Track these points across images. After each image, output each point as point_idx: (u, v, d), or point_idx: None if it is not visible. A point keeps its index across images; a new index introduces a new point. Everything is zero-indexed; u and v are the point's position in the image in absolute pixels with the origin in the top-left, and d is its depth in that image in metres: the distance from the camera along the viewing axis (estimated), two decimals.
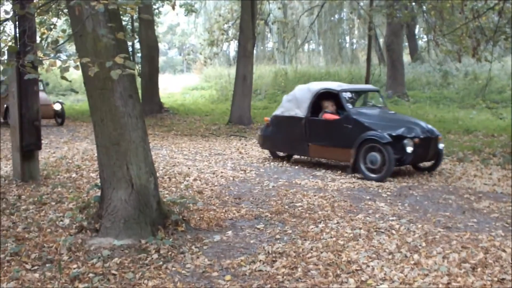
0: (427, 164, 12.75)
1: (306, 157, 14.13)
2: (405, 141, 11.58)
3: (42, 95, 21.53)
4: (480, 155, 14.61)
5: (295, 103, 13.59)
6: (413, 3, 23.62)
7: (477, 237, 7.54)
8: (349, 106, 12.76)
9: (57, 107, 23.02)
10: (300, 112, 13.31)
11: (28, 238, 7.32)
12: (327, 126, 12.82)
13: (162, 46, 64.90)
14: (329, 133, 12.71)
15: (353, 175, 12.00)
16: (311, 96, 13.25)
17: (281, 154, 14.52)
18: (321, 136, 12.91)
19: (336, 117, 12.82)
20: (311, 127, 13.12)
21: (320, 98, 13.32)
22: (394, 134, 11.66)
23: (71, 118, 25.10)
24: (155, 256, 6.67)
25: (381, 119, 12.55)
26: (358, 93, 13.93)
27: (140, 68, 26.25)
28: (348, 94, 13.24)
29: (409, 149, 11.55)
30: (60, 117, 23.31)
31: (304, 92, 13.60)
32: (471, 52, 17.40)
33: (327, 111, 13.11)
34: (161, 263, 6.48)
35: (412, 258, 6.62)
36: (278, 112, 14.16)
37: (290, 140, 13.63)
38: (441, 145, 12.43)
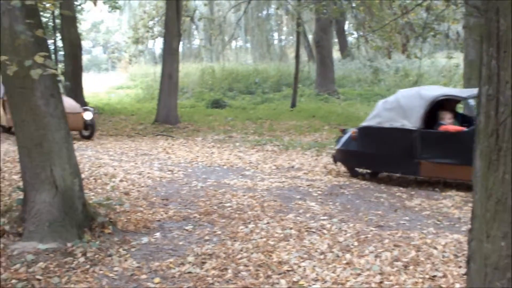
0: None
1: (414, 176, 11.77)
2: None
3: (68, 101, 17.78)
4: None
5: (399, 112, 11.27)
6: None
7: (409, 235, 7.60)
8: None
9: (88, 116, 17.96)
10: (409, 123, 11.05)
11: None
12: (450, 141, 10.67)
13: (86, 44, 63.92)
14: (453, 149, 10.54)
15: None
16: (425, 104, 10.99)
17: (360, 171, 12.20)
18: (439, 152, 10.72)
19: (462, 129, 10.70)
20: (425, 142, 10.89)
21: (435, 107, 11.12)
22: None
23: None
24: (82, 259, 6.50)
25: None
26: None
27: (63, 67, 25.73)
28: (473, 102, 10.87)
29: None
30: (88, 129, 18.30)
31: (413, 99, 11.30)
32: (401, 48, 17.62)
33: (443, 122, 11.03)
34: (88, 266, 6.32)
35: (344, 258, 6.62)
36: (371, 122, 11.77)
37: (391, 156, 11.43)
38: None
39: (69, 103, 17.53)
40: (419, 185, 11.08)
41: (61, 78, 20.06)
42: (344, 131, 12.47)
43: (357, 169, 12.19)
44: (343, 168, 12.60)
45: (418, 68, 26.28)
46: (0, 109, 18.38)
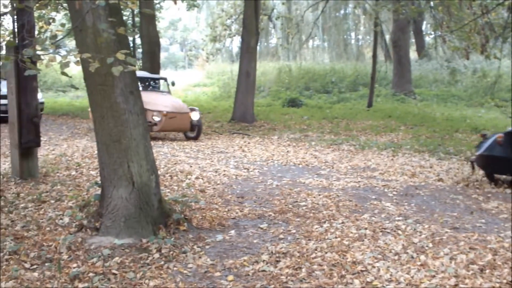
0: None
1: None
2: None
3: (176, 100, 18.13)
4: None
5: None
6: None
7: (485, 238, 7.43)
8: None
9: (195, 116, 17.51)
10: None
11: (27, 236, 7.21)
12: None
13: (163, 41, 64.85)
14: None
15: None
16: None
17: (501, 178, 11.50)
18: None
19: None
20: None
21: None
22: None
23: (70, 114, 24.90)
24: (157, 255, 6.56)
25: None
26: None
27: (141, 64, 26.10)
28: None
29: None
30: (194, 130, 17.77)
31: None
32: (480, 49, 17.20)
33: None
34: (162, 262, 6.38)
35: (419, 259, 6.51)
36: None
37: None
38: None
39: (177, 102, 17.55)
40: (496, 187, 10.81)
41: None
42: (485, 136, 11.80)
43: (497, 175, 11.45)
44: (418, 169, 12.41)
45: (497, 69, 25.73)
46: None
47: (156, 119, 16.51)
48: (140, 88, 16.63)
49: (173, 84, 18.20)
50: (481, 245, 7.07)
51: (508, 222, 8.33)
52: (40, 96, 19.81)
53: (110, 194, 7.22)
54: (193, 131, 17.78)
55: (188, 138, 17.92)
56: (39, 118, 10.87)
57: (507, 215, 8.75)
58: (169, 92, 18.83)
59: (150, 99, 16.67)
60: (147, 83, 18.82)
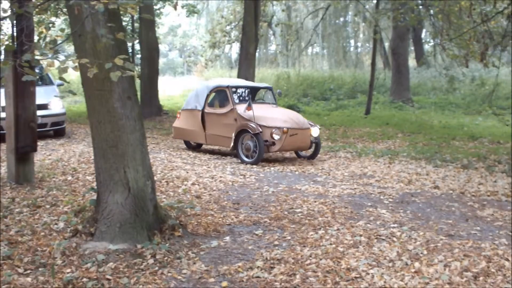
0: None
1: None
2: None
3: (296, 115, 15.53)
4: (485, 162, 14.48)
5: None
6: (420, 7, 23.48)
7: (479, 245, 7.45)
8: None
9: (315, 132, 15.12)
10: None
11: (21, 241, 7.19)
12: None
13: (162, 47, 64.88)
14: None
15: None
16: None
17: None
18: None
19: None
20: None
21: None
22: None
23: (67, 120, 24.83)
24: (151, 261, 6.56)
25: None
26: None
27: (139, 70, 26.07)
28: None
29: None
30: (311, 148, 15.34)
31: None
32: (479, 57, 17.23)
33: None
34: (156, 268, 6.38)
35: (413, 266, 6.53)
36: None
37: None
38: None
39: (296, 117, 15.28)
40: (492, 195, 10.82)
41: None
42: None
43: None
44: (415, 176, 12.42)
45: (495, 77, 25.79)
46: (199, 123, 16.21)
47: (276, 137, 14.20)
48: (248, 99, 15.66)
49: (279, 94, 17.05)
50: (475, 252, 7.10)
51: (503, 230, 8.34)
52: (61, 105, 19.54)
53: (105, 199, 7.21)
54: (309, 149, 15.37)
55: (299, 157, 15.73)
56: (36, 123, 10.87)
57: (502, 223, 8.76)
58: (276, 104, 16.52)
59: (263, 113, 14.83)
60: (251, 94, 16.51)
